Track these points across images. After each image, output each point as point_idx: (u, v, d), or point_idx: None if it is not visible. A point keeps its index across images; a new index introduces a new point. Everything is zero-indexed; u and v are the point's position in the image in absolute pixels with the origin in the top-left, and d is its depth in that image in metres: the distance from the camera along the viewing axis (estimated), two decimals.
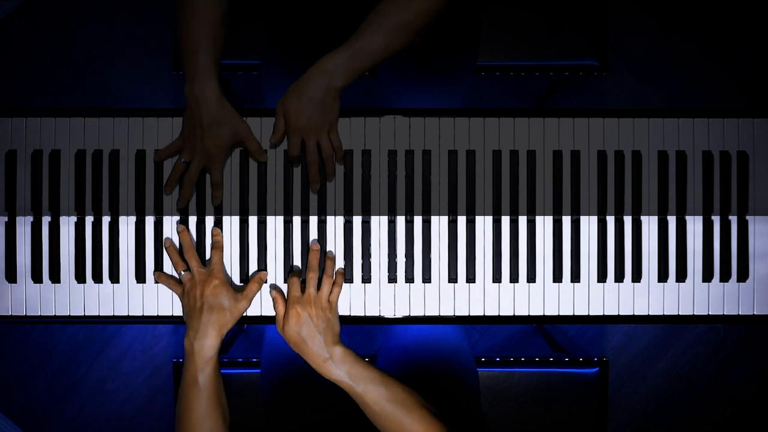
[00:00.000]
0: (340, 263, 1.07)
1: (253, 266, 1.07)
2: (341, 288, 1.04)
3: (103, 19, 1.87)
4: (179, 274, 1.03)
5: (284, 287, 1.07)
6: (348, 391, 0.95)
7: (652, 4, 1.87)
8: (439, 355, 1.18)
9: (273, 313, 1.06)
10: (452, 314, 1.07)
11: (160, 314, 1.07)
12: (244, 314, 1.07)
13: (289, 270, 1.06)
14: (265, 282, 1.06)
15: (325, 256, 1.05)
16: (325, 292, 1.01)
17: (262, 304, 1.07)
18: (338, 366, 0.95)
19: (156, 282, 1.06)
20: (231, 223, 1.07)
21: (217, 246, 1.04)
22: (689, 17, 1.88)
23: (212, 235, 1.05)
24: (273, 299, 1.03)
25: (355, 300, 1.07)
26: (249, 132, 1.03)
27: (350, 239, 1.07)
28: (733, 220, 1.08)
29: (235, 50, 1.37)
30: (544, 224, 1.07)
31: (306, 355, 0.97)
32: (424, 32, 0.98)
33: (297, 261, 1.07)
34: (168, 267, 1.07)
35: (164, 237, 1.07)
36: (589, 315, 1.07)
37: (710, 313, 1.07)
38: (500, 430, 1.28)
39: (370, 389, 0.93)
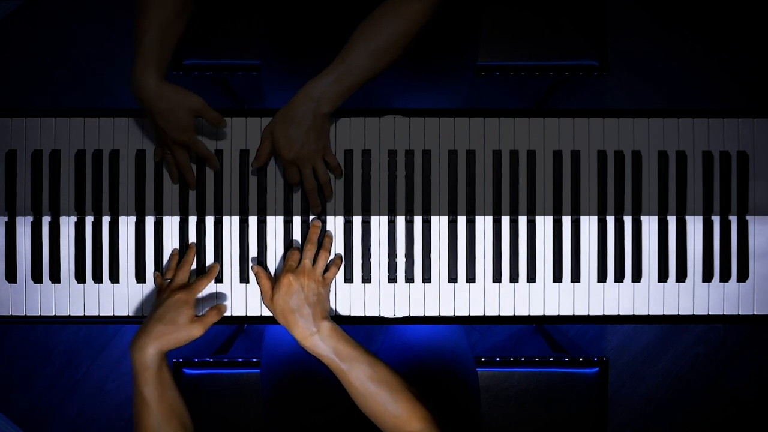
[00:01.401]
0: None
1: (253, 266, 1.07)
2: (339, 269, 1.05)
3: (103, 19, 1.87)
4: (164, 280, 1.04)
5: None
6: (331, 368, 0.94)
7: (652, 4, 1.87)
8: (439, 355, 1.18)
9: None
10: (452, 314, 1.07)
11: None
12: (244, 314, 1.07)
13: (289, 244, 1.06)
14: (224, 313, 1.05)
15: (324, 234, 1.06)
16: (320, 265, 1.01)
17: (261, 304, 1.07)
18: (324, 341, 0.94)
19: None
20: (231, 223, 1.07)
21: (210, 274, 1.04)
22: (689, 18, 1.88)
23: (211, 265, 1.06)
24: (255, 274, 1.03)
25: (355, 300, 1.07)
26: (203, 103, 1.00)
27: (350, 239, 1.07)
28: (733, 220, 1.08)
29: (235, 50, 1.37)
30: (544, 224, 1.07)
31: (292, 326, 0.95)
32: (410, 47, 0.97)
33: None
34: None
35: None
36: (589, 315, 1.07)
37: (710, 313, 1.07)
38: (500, 430, 1.28)
39: (354, 367, 0.92)
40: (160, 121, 0.98)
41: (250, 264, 1.07)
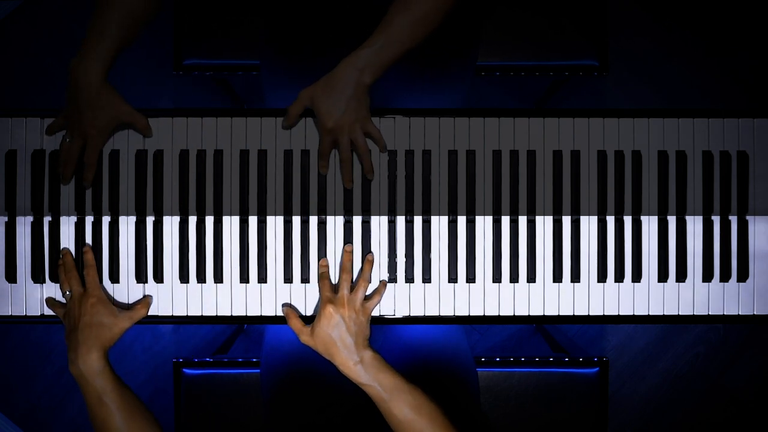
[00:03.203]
0: (338, 263, 1.07)
1: (253, 266, 1.07)
2: (381, 297, 1.04)
3: None
4: (64, 293, 1.03)
5: (284, 287, 1.07)
6: (373, 396, 0.94)
7: (652, 4, 1.87)
8: (439, 355, 1.18)
9: (272, 313, 1.06)
10: (452, 314, 1.07)
11: (160, 314, 1.07)
12: (244, 314, 1.07)
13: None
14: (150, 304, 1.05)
15: (365, 259, 1.05)
16: (359, 294, 1.00)
17: (261, 304, 1.07)
18: (367, 370, 0.94)
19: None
20: (231, 223, 1.07)
21: (88, 264, 1.03)
22: (689, 18, 1.88)
23: (83, 252, 1.05)
24: (285, 315, 1.02)
25: None
26: (131, 112, 1.02)
27: (350, 239, 1.07)
28: (733, 220, 1.08)
29: (235, 50, 1.37)
30: (544, 224, 1.07)
31: (335, 357, 0.96)
32: (445, 21, 0.98)
33: (296, 261, 1.07)
34: (173, 266, 1.07)
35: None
36: (589, 315, 1.07)
37: (710, 313, 1.07)
38: (500, 430, 1.28)
39: (395, 396, 0.93)
40: (86, 111, 0.98)
41: (250, 265, 1.07)
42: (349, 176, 1.04)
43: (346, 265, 1.03)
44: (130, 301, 1.06)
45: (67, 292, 1.02)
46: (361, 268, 1.04)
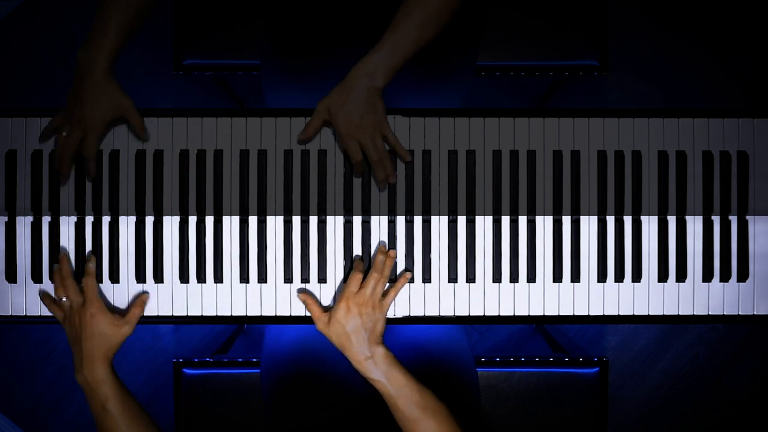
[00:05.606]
0: (339, 263, 1.07)
1: (253, 266, 1.07)
2: (397, 293, 1.04)
3: None
4: (59, 299, 1.01)
5: (285, 287, 1.07)
6: (381, 392, 0.95)
7: (652, 4, 1.87)
8: (439, 355, 1.18)
9: (272, 313, 1.06)
10: (452, 314, 1.07)
11: (160, 314, 1.07)
12: (244, 314, 1.07)
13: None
14: (146, 303, 1.05)
15: (386, 256, 1.03)
16: (378, 291, 1.01)
17: (261, 304, 1.07)
18: (378, 366, 0.95)
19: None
20: (231, 223, 1.07)
21: (89, 273, 1.02)
22: (690, 18, 1.88)
23: (86, 261, 1.04)
24: (303, 302, 1.03)
25: None
26: (131, 107, 1.02)
27: (350, 239, 1.07)
28: (733, 220, 1.08)
29: (235, 50, 1.37)
30: (544, 224, 1.07)
31: (347, 350, 0.97)
32: (452, 21, 0.99)
33: (296, 261, 1.07)
34: (173, 266, 1.07)
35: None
36: (589, 315, 1.07)
37: (710, 313, 1.07)
38: (500, 430, 1.28)
39: (403, 393, 0.94)
40: (87, 101, 0.98)
41: (250, 265, 1.07)
42: (391, 171, 1.03)
43: (377, 266, 1.02)
44: (130, 301, 1.06)
45: (64, 299, 1.01)
46: (380, 263, 1.03)
